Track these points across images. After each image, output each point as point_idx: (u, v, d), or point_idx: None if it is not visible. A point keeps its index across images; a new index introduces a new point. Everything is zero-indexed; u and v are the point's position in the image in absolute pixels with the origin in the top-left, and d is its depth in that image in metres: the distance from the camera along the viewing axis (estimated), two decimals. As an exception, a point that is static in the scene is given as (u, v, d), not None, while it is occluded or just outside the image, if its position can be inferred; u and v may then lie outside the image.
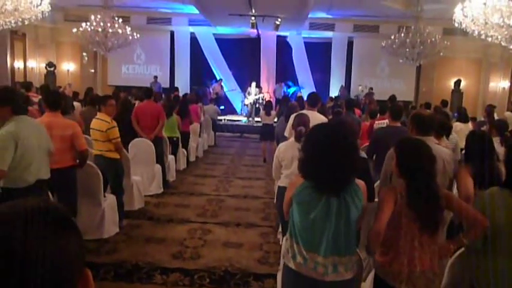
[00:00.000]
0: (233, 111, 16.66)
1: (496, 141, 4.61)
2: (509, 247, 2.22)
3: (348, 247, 2.26)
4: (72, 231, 0.74)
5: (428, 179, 2.33)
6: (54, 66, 15.41)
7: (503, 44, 7.73)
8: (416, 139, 2.65)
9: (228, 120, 15.29)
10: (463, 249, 2.49)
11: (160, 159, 6.91)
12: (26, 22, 8.81)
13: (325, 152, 2.17)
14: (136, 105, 7.43)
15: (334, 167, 2.16)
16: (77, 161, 4.24)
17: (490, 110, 7.98)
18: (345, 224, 2.22)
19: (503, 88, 14.72)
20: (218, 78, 16.34)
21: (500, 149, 4.15)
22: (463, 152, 3.70)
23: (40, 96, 8.02)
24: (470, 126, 7.40)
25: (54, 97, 4.27)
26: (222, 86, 16.01)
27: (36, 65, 15.67)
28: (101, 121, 5.04)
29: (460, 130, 6.66)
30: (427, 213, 2.29)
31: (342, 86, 15.84)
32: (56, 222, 0.72)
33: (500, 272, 2.22)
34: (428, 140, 3.15)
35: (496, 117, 8.00)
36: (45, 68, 15.27)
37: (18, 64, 14.50)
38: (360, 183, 2.30)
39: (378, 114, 6.91)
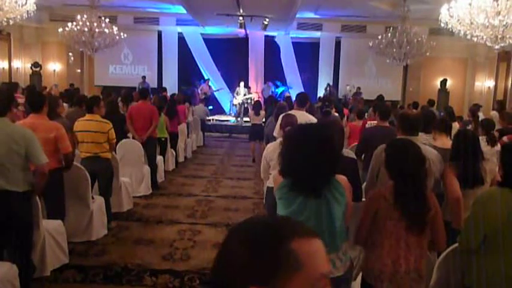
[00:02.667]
0: (221, 111, 16.63)
1: (483, 140, 4.67)
2: (510, 246, 2.21)
3: (333, 244, 2.23)
4: None
5: (416, 179, 2.35)
6: (40, 66, 15.19)
7: (488, 44, 7.82)
8: (406, 140, 2.67)
9: (216, 120, 15.25)
10: (449, 249, 2.51)
11: (152, 160, 6.87)
12: (11, 22, 8.68)
13: (302, 153, 2.17)
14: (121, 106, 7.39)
15: (311, 168, 2.15)
16: (63, 163, 4.18)
17: (474, 109, 8.10)
18: (327, 222, 2.20)
19: (489, 87, 14.92)
20: (206, 78, 16.30)
21: (486, 148, 4.20)
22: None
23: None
24: (457, 125, 7.49)
25: (37, 98, 4.17)
26: (209, 86, 15.97)
27: (21, 65, 15.41)
28: (99, 122, 4.98)
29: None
30: (413, 212, 2.31)
31: (328, 84, 15.81)
32: None
33: (499, 271, 2.21)
34: (415, 140, 3.19)
35: (482, 116, 8.11)
36: (31, 68, 15.03)
37: (3, 64, 14.27)
38: (341, 178, 2.29)
39: (366, 114, 6.96)
